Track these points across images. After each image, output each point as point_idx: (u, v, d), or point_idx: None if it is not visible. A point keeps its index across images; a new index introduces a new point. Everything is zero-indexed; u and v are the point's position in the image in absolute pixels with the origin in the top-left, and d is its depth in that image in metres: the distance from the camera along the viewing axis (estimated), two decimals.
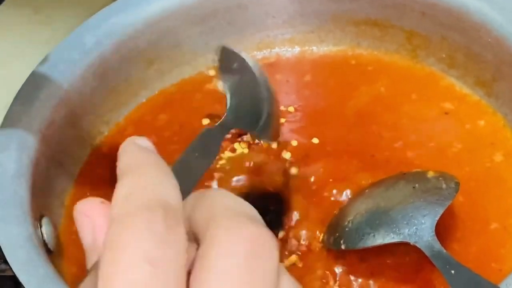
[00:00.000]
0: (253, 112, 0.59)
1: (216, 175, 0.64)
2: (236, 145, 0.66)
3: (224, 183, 0.64)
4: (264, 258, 0.31)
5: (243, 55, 0.61)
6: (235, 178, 0.64)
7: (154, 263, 0.30)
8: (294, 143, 0.66)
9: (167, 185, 0.33)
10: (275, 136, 0.64)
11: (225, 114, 0.57)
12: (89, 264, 0.35)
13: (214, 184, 0.64)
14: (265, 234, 0.32)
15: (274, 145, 0.66)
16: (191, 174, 0.48)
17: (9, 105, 0.63)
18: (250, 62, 0.61)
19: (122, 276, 0.30)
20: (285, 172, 0.64)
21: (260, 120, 0.58)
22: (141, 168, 0.35)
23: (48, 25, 0.82)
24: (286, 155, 0.65)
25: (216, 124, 0.56)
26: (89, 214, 0.36)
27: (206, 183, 0.63)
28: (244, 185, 0.64)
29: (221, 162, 0.65)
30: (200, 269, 0.31)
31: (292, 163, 0.65)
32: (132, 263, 0.30)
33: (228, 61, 0.60)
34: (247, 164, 0.65)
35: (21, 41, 0.83)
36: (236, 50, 0.61)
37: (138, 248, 0.30)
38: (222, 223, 0.32)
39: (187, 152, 0.50)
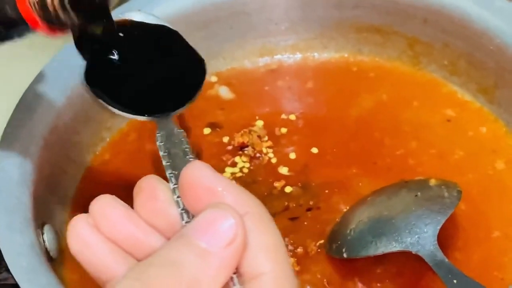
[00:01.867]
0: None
1: None
2: (237, 158, 0.66)
3: None
4: None
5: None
6: None
7: None
8: (292, 155, 0.66)
9: None
10: None
11: None
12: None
13: None
14: None
15: (274, 160, 0.66)
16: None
17: (11, 108, 0.63)
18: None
19: None
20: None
21: None
22: None
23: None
24: (283, 170, 0.65)
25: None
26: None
27: None
28: None
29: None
30: None
31: (288, 180, 0.64)
32: None
33: None
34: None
35: (22, 44, 0.82)
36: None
37: None
38: None
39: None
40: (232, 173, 0.65)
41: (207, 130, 0.69)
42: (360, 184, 0.64)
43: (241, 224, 0.36)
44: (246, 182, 0.64)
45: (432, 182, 0.59)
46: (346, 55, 0.74)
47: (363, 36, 0.72)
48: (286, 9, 0.72)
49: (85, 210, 0.63)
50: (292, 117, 0.70)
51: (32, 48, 0.80)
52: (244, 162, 0.66)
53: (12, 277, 0.52)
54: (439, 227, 0.55)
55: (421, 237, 0.54)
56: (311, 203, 0.62)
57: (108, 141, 0.69)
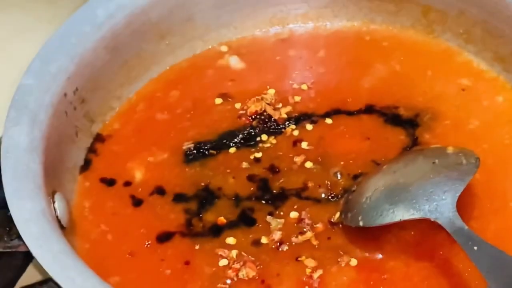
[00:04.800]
0: None
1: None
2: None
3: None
4: None
5: None
6: None
7: None
8: (309, 127, 0.65)
9: None
10: None
11: None
12: None
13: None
14: None
15: (296, 132, 0.65)
16: None
17: (15, 81, 0.61)
18: None
19: None
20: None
21: None
22: None
23: (53, 3, 0.81)
24: (304, 144, 0.64)
25: None
26: None
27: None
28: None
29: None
30: None
31: (308, 155, 0.63)
32: None
33: None
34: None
35: (26, 19, 0.82)
36: None
37: None
38: None
39: None
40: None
41: (218, 100, 0.68)
42: (372, 156, 0.63)
43: None
44: (270, 157, 0.63)
45: (450, 149, 0.58)
46: (358, 24, 0.72)
47: (376, 4, 0.71)
48: None
49: (94, 181, 0.63)
50: (304, 87, 0.69)
51: (36, 22, 0.80)
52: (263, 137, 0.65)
53: (24, 244, 0.51)
54: (458, 194, 0.54)
55: (439, 205, 0.53)
56: (328, 183, 0.61)
57: (117, 110, 0.68)
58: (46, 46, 0.63)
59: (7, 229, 0.58)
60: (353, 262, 0.56)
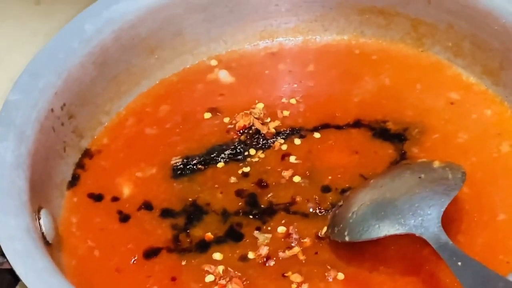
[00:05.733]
0: None
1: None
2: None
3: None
4: None
5: None
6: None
7: None
8: (297, 141, 0.65)
9: None
10: None
11: None
12: None
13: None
14: None
15: (284, 147, 0.65)
16: None
17: (6, 91, 0.62)
18: None
19: None
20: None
21: None
22: None
23: (48, 17, 0.82)
24: (292, 158, 0.64)
25: None
26: None
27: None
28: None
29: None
30: None
31: (296, 169, 0.63)
32: None
33: None
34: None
35: (22, 32, 0.82)
36: None
37: None
38: None
39: None
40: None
41: (207, 115, 0.68)
42: (361, 170, 0.63)
43: None
44: (258, 171, 0.63)
45: (436, 164, 0.57)
46: (348, 38, 0.72)
47: (366, 18, 0.71)
48: None
49: (81, 196, 0.63)
50: (293, 101, 0.69)
51: (31, 36, 0.80)
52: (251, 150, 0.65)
53: (8, 261, 0.51)
54: (443, 209, 0.53)
55: (424, 219, 0.53)
56: (316, 197, 0.61)
57: (106, 125, 0.68)
58: (33, 61, 0.63)
59: None
60: (340, 276, 0.56)
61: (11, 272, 0.51)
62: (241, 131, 0.66)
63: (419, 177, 0.56)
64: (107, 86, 0.67)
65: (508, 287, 0.47)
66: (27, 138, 0.59)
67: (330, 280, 0.56)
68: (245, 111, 0.67)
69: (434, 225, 0.53)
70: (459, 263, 0.50)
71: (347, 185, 0.61)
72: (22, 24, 0.83)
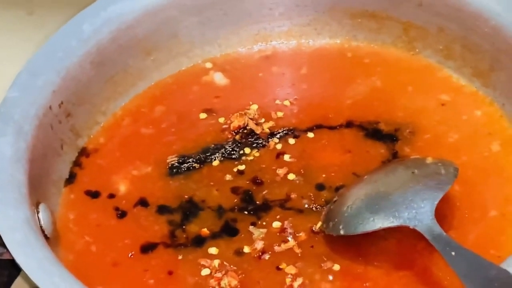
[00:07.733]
0: None
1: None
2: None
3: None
4: None
5: None
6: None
7: None
8: (292, 141, 0.66)
9: None
10: None
11: None
12: None
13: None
14: None
15: (279, 146, 0.66)
16: None
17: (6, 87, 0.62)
18: None
19: None
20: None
21: None
22: None
23: (41, 27, 0.82)
24: (286, 157, 0.65)
25: None
26: None
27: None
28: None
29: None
30: None
31: (291, 167, 0.64)
32: None
33: None
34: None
35: (15, 42, 0.83)
36: None
37: None
38: None
39: None
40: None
41: (203, 115, 0.69)
42: (354, 169, 0.64)
43: None
44: (253, 169, 0.64)
45: (429, 160, 0.58)
46: (340, 41, 0.74)
47: (358, 22, 0.72)
48: None
49: (78, 193, 0.64)
50: (287, 103, 0.70)
51: (24, 46, 0.81)
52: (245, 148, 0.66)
53: (8, 251, 0.52)
54: (436, 202, 0.54)
55: (418, 212, 0.54)
56: (310, 194, 0.62)
57: (103, 125, 0.69)
58: (32, 60, 0.64)
59: None
60: (336, 267, 0.57)
61: (12, 262, 0.52)
62: (236, 131, 0.67)
63: (413, 172, 0.57)
64: (104, 86, 0.68)
65: (500, 274, 0.48)
66: (26, 134, 0.59)
67: (325, 273, 0.56)
68: (239, 112, 0.68)
69: (428, 218, 0.54)
70: (453, 253, 0.51)
71: (340, 183, 0.62)
72: (15, 34, 0.83)
